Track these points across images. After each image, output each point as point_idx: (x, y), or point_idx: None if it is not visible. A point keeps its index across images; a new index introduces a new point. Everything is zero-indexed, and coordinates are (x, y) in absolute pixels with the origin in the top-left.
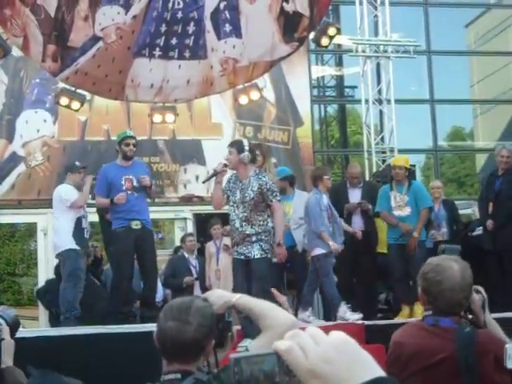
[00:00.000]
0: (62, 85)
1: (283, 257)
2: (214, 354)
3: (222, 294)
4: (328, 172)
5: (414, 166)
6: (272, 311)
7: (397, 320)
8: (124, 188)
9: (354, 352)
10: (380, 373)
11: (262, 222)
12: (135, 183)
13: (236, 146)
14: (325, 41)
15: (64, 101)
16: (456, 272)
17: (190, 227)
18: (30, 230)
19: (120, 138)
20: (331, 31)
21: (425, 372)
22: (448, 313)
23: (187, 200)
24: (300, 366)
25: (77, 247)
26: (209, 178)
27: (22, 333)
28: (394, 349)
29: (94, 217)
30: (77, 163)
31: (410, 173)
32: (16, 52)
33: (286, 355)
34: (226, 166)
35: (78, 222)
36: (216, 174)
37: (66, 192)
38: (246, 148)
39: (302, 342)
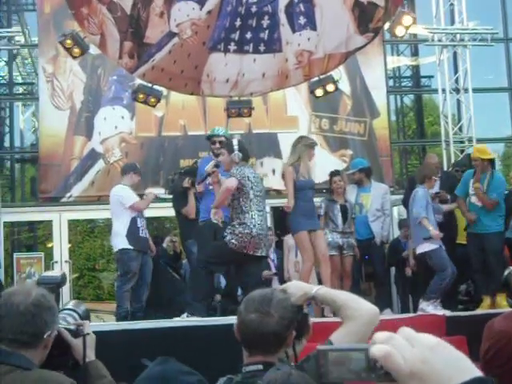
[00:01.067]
0: (138, 81)
1: (215, 219)
2: (292, 345)
3: (300, 286)
4: (437, 173)
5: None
6: (354, 302)
7: (478, 311)
8: (208, 182)
9: (450, 352)
10: (477, 373)
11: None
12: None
13: (226, 147)
14: (400, 31)
15: (141, 97)
16: None
17: (268, 221)
18: (109, 226)
19: (206, 137)
20: (406, 21)
21: None
22: None
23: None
24: (398, 369)
25: (130, 247)
26: (202, 180)
27: (102, 326)
28: (498, 338)
29: (171, 212)
30: (137, 164)
31: (493, 163)
32: (93, 50)
33: (384, 360)
34: (217, 166)
35: (133, 221)
36: (208, 174)
37: (125, 195)
38: (236, 147)
39: (397, 344)
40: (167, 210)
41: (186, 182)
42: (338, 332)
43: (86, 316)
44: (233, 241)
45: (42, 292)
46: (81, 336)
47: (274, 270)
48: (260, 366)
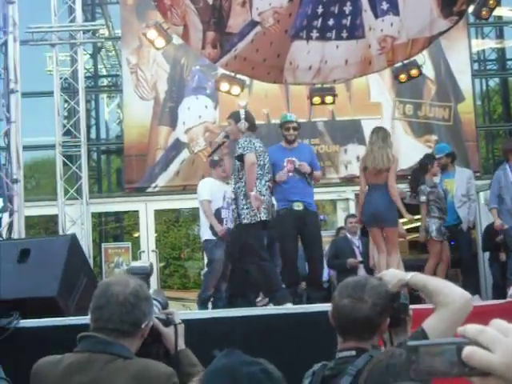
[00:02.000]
0: (221, 71)
1: (257, 205)
2: (388, 332)
3: (396, 273)
4: None
5: None
6: (446, 288)
7: None
8: (287, 169)
9: None
10: None
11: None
12: (297, 166)
13: (233, 116)
14: (485, 13)
15: (224, 86)
16: None
17: (353, 208)
18: (194, 215)
19: (280, 122)
20: (491, 3)
21: None
22: None
23: (348, 180)
24: (489, 363)
25: (213, 238)
26: (213, 151)
27: (187, 315)
28: None
29: None
30: (215, 158)
31: None
32: (176, 40)
33: (470, 360)
34: (227, 136)
35: (217, 212)
36: (219, 145)
37: (200, 189)
38: (243, 117)
39: (488, 336)
40: None
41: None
42: (431, 319)
43: (166, 304)
44: (243, 216)
45: (139, 282)
46: (172, 325)
47: (359, 258)
48: (353, 352)
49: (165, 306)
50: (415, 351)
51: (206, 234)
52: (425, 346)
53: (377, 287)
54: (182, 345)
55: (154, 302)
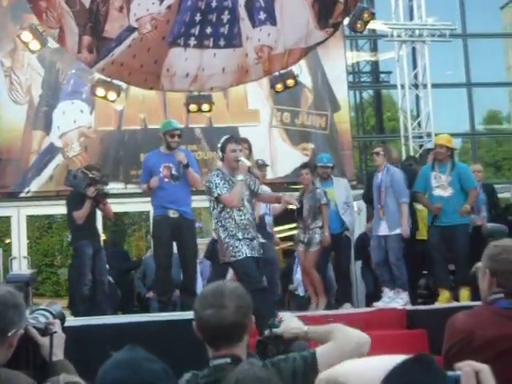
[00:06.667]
0: (97, 75)
1: None
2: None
3: (294, 324)
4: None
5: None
6: (342, 328)
7: (437, 305)
8: (161, 175)
9: None
10: None
11: None
12: (174, 171)
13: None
14: (360, 26)
15: (100, 92)
16: None
17: None
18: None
19: (165, 129)
20: (366, 16)
21: (501, 357)
22: None
23: None
24: None
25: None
26: None
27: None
28: (461, 337)
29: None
30: None
31: (452, 153)
32: (52, 44)
33: None
34: None
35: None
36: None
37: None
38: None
39: None
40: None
41: (92, 192)
42: (325, 347)
43: (60, 316)
44: None
45: (7, 289)
46: (48, 334)
47: None
48: (228, 360)
49: (58, 317)
50: None
51: None
52: None
53: (235, 290)
54: (59, 355)
55: (44, 312)
